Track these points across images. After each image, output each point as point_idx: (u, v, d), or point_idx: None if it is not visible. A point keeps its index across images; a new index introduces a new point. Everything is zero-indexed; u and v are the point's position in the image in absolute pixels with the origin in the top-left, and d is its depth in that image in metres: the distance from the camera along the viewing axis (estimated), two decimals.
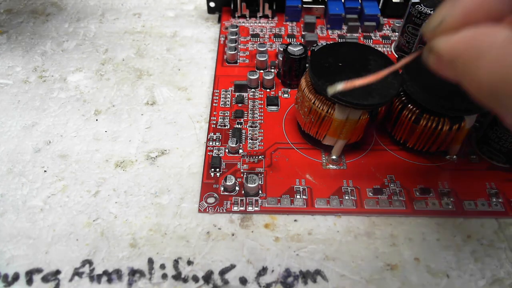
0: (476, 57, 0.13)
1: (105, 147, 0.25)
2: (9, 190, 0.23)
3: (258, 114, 0.27)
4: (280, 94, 0.28)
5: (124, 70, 0.31)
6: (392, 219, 0.22)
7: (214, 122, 0.26)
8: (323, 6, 0.34)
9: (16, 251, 0.20)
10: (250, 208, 0.22)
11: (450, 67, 0.14)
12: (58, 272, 0.20)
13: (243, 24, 0.35)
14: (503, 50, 0.12)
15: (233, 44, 0.31)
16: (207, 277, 0.20)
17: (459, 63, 0.13)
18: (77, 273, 0.20)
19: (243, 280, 0.19)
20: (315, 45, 0.25)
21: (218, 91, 0.29)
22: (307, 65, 0.27)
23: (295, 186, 0.23)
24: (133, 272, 0.20)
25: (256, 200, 0.22)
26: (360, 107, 0.21)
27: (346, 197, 0.22)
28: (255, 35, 0.33)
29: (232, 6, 0.35)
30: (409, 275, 0.20)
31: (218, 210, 0.22)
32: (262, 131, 0.26)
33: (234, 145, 0.24)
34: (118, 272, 0.20)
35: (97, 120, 0.27)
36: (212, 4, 0.35)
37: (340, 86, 0.18)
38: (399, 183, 0.23)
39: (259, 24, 0.35)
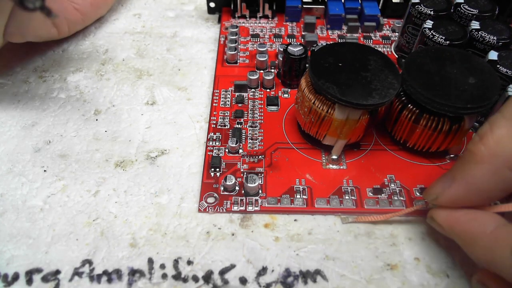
0: (471, 241, 0.16)
1: (105, 147, 0.25)
2: (9, 190, 0.23)
3: (258, 114, 0.27)
4: (280, 94, 0.28)
5: (124, 70, 0.31)
6: (392, 219, 0.22)
7: (214, 122, 0.26)
8: (323, 7, 0.35)
9: (16, 251, 0.20)
10: (250, 208, 0.22)
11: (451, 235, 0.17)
12: (58, 272, 0.20)
13: (243, 24, 0.35)
14: (492, 240, 0.15)
15: (233, 44, 0.31)
16: (207, 277, 0.20)
17: (458, 240, 0.17)
18: (77, 273, 0.20)
19: (243, 280, 0.19)
20: (315, 45, 0.25)
21: (218, 91, 0.29)
22: (307, 65, 0.27)
23: (295, 186, 0.23)
24: (133, 272, 0.20)
25: (256, 200, 0.22)
26: (360, 107, 0.21)
27: (346, 197, 0.22)
28: (255, 35, 0.33)
29: (232, 6, 0.35)
30: (409, 275, 0.20)
31: (218, 210, 0.22)
32: (262, 131, 0.26)
33: (234, 145, 0.24)
34: (118, 272, 0.20)
35: (97, 120, 0.27)
36: (212, 5, 0.35)
37: (351, 219, 0.21)
38: (399, 183, 0.23)
39: (259, 24, 0.35)
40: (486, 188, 0.16)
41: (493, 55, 0.24)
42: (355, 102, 0.20)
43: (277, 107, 0.28)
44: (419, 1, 0.29)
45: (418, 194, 0.23)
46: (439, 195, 0.17)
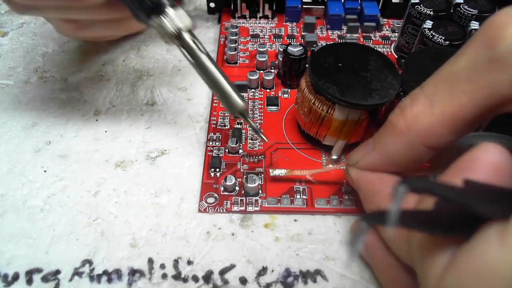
0: (369, 197, 0.18)
1: (105, 147, 0.25)
2: (9, 190, 0.23)
3: (258, 114, 0.27)
4: (280, 94, 0.28)
5: (124, 71, 0.31)
6: None
7: (214, 122, 0.26)
8: (323, 7, 0.35)
9: (16, 251, 0.20)
10: (250, 208, 0.22)
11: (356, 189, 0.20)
12: (58, 272, 0.20)
13: (243, 24, 0.35)
14: (385, 201, 0.17)
15: (233, 45, 0.31)
16: (207, 277, 0.20)
17: (360, 194, 0.19)
18: (77, 273, 0.20)
19: (243, 280, 0.19)
20: (315, 45, 0.26)
21: None
22: (307, 65, 0.27)
23: (295, 186, 0.23)
24: (133, 272, 0.20)
25: (256, 200, 0.22)
26: (360, 107, 0.21)
27: (346, 197, 0.22)
28: (255, 36, 0.33)
29: (232, 6, 0.35)
30: None
31: (218, 210, 0.22)
32: (262, 131, 0.26)
33: (234, 145, 0.24)
34: (118, 272, 0.20)
35: (97, 120, 0.27)
36: (212, 5, 0.35)
37: (277, 172, 0.22)
38: None
39: (259, 25, 0.35)
40: (400, 158, 0.17)
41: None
42: (355, 102, 0.20)
43: (277, 107, 0.28)
44: (418, 1, 0.29)
45: None
46: (359, 160, 0.19)
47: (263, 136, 0.22)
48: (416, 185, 0.11)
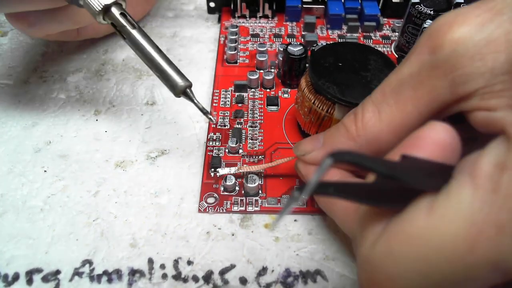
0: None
1: (105, 147, 0.25)
2: (9, 190, 0.23)
3: (258, 114, 0.27)
4: (280, 94, 0.28)
5: (124, 71, 0.31)
6: None
7: (214, 122, 0.26)
8: (323, 6, 0.34)
9: (16, 251, 0.20)
10: (250, 208, 0.22)
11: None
12: (58, 272, 0.20)
13: (243, 24, 0.35)
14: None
15: (233, 44, 0.31)
16: (207, 277, 0.20)
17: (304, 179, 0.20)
18: (77, 273, 0.20)
19: (243, 280, 0.19)
20: (315, 45, 0.25)
21: (218, 91, 0.29)
22: (307, 65, 0.27)
23: (295, 186, 0.23)
24: (133, 272, 0.20)
25: (256, 200, 0.22)
26: None
27: None
28: (255, 35, 0.33)
29: (232, 6, 0.35)
30: None
31: (218, 210, 0.22)
32: (262, 131, 0.26)
33: (234, 145, 0.24)
34: (118, 272, 0.20)
35: (97, 120, 0.27)
36: (212, 4, 0.35)
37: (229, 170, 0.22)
38: None
39: (259, 24, 0.35)
40: None
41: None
42: (355, 102, 0.20)
43: (277, 107, 0.28)
44: (419, 1, 0.29)
45: None
46: (306, 153, 0.19)
47: (210, 117, 0.21)
48: (344, 157, 0.11)
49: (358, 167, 0.12)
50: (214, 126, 0.26)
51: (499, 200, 0.11)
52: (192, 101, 0.21)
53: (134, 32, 0.20)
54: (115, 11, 0.20)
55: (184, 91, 0.20)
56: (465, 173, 0.12)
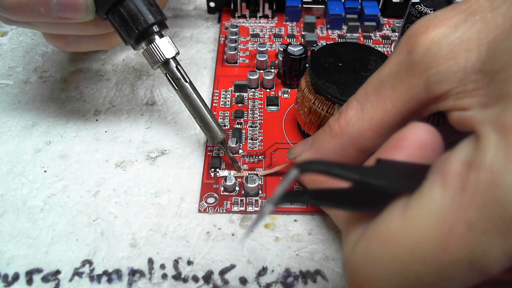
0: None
1: (105, 147, 0.25)
2: (9, 190, 0.23)
3: (258, 114, 0.27)
4: (280, 94, 0.28)
5: (124, 71, 0.31)
6: None
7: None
8: (323, 6, 0.34)
9: (16, 251, 0.20)
10: (250, 208, 0.22)
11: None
12: (58, 272, 0.20)
13: (243, 24, 0.35)
14: None
15: (233, 44, 0.31)
16: (207, 277, 0.20)
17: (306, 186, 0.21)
18: (77, 273, 0.20)
19: (243, 280, 0.19)
20: (315, 45, 0.25)
21: (218, 91, 0.29)
22: (307, 65, 0.27)
23: (295, 187, 0.23)
24: (133, 272, 0.20)
25: (256, 200, 0.22)
26: None
27: None
28: (255, 35, 0.33)
29: (232, 6, 0.35)
30: None
31: (218, 210, 0.22)
32: (262, 131, 0.26)
33: (234, 145, 0.24)
34: (118, 272, 0.20)
35: (97, 120, 0.27)
36: (212, 4, 0.35)
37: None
38: None
39: (259, 24, 0.35)
40: (332, 158, 0.18)
41: None
42: None
43: (277, 107, 0.28)
44: (419, 1, 0.29)
45: None
46: (297, 156, 0.20)
47: (239, 165, 0.23)
48: (310, 167, 0.12)
49: (328, 175, 0.12)
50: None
51: (468, 198, 0.11)
52: (226, 150, 0.23)
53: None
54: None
55: (221, 142, 0.23)
56: (436, 173, 0.12)
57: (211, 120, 0.22)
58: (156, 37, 0.21)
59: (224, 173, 0.23)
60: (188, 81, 0.22)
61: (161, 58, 0.21)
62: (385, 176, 0.12)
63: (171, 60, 0.22)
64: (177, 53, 0.22)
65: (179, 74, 0.22)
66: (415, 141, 0.13)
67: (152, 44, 0.21)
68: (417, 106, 0.15)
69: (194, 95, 0.22)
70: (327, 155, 0.18)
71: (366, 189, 0.13)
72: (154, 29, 0.21)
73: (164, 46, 0.21)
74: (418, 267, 0.11)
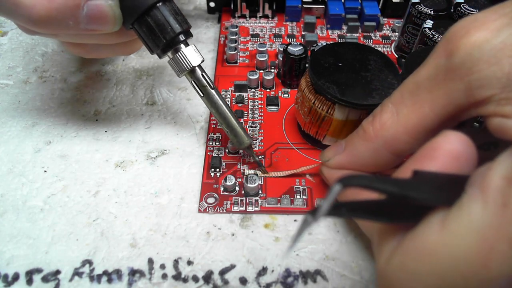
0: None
1: (105, 147, 0.25)
2: (9, 190, 0.23)
3: (258, 114, 0.27)
4: (280, 94, 0.28)
5: (124, 71, 0.31)
6: None
7: (214, 122, 0.26)
8: (323, 6, 0.34)
9: (16, 251, 0.20)
10: (250, 208, 0.22)
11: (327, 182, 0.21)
12: (58, 272, 0.20)
13: (243, 24, 0.35)
14: (353, 194, 0.18)
15: (233, 44, 0.31)
16: (207, 277, 0.20)
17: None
18: (77, 273, 0.20)
19: (243, 280, 0.19)
20: (315, 45, 0.25)
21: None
22: (307, 65, 0.27)
23: (295, 186, 0.23)
24: (133, 272, 0.20)
25: (256, 200, 0.22)
26: (360, 107, 0.21)
27: None
28: (255, 35, 0.33)
29: (232, 6, 0.35)
30: None
31: (218, 210, 0.22)
32: (262, 131, 0.26)
33: (234, 145, 0.24)
34: (118, 272, 0.20)
35: (97, 120, 0.27)
36: (212, 4, 0.35)
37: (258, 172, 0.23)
38: None
39: (259, 24, 0.35)
40: (367, 161, 0.18)
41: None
42: (355, 102, 0.20)
43: (277, 107, 0.28)
44: (419, 1, 0.29)
45: None
46: (330, 159, 0.20)
47: (264, 169, 0.23)
48: (352, 182, 0.12)
49: (368, 189, 0.12)
50: (214, 126, 0.26)
51: (509, 214, 0.11)
52: (252, 155, 0.23)
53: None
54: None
55: (247, 147, 0.23)
56: (475, 187, 0.12)
57: (238, 126, 0.22)
58: (182, 46, 0.21)
59: (250, 172, 0.23)
60: (214, 87, 0.22)
61: (188, 67, 0.21)
62: (423, 188, 0.12)
63: (196, 67, 0.22)
64: (202, 61, 0.22)
65: (205, 82, 0.22)
66: (449, 151, 0.13)
67: (179, 53, 0.21)
68: (455, 111, 0.14)
69: (220, 102, 0.22)
70: (360, 158, 0.18)
71: (402, 201, 0.13)
72: (181, 38, 0.21)
73: (191, 54, 0.21)
74: (457, 282, 0.11)
